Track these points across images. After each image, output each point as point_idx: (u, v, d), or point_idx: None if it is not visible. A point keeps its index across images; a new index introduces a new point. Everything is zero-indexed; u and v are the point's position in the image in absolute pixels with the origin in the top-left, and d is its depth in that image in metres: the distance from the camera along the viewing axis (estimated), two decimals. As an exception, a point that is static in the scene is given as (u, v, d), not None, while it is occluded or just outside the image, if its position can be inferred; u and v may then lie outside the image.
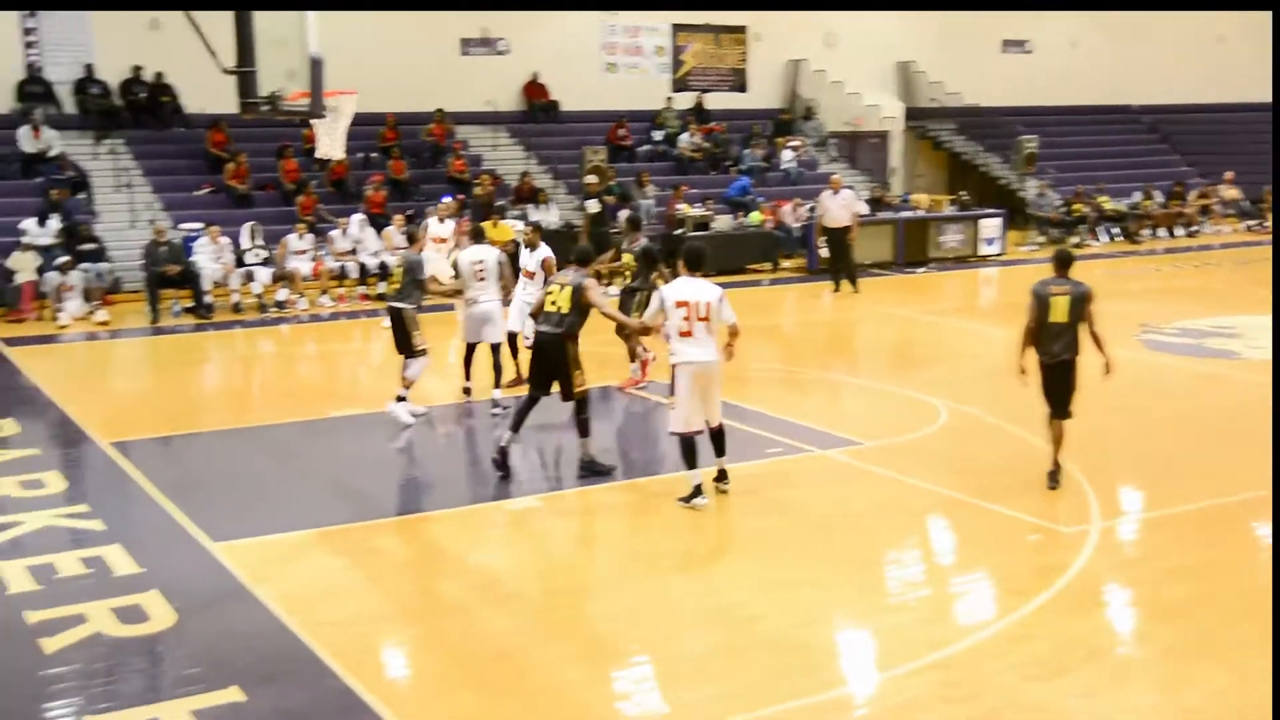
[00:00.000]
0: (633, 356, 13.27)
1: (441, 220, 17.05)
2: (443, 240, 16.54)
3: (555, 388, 10.40)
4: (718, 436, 9.80)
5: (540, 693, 6.70)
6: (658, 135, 27.61)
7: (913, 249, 24.23)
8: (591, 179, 22.70)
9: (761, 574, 8.37)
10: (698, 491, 9.54)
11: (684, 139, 27.28)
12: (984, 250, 25.13)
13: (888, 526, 9.32)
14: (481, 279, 12.56)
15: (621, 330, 12.13)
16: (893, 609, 7.87)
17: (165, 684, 6.78)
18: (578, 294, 10.20)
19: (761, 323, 18.69)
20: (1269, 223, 28.03)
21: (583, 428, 10.38)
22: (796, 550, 8.79)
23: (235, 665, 6.88)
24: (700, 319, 9.35)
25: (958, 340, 17.27)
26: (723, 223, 23.59)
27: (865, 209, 23.63)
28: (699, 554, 9.10)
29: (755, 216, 24.03)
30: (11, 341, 16.78)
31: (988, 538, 8.98)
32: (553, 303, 10.26)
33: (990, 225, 25.35)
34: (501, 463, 10.29)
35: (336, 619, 7.58)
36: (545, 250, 13.21)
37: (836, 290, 20.85)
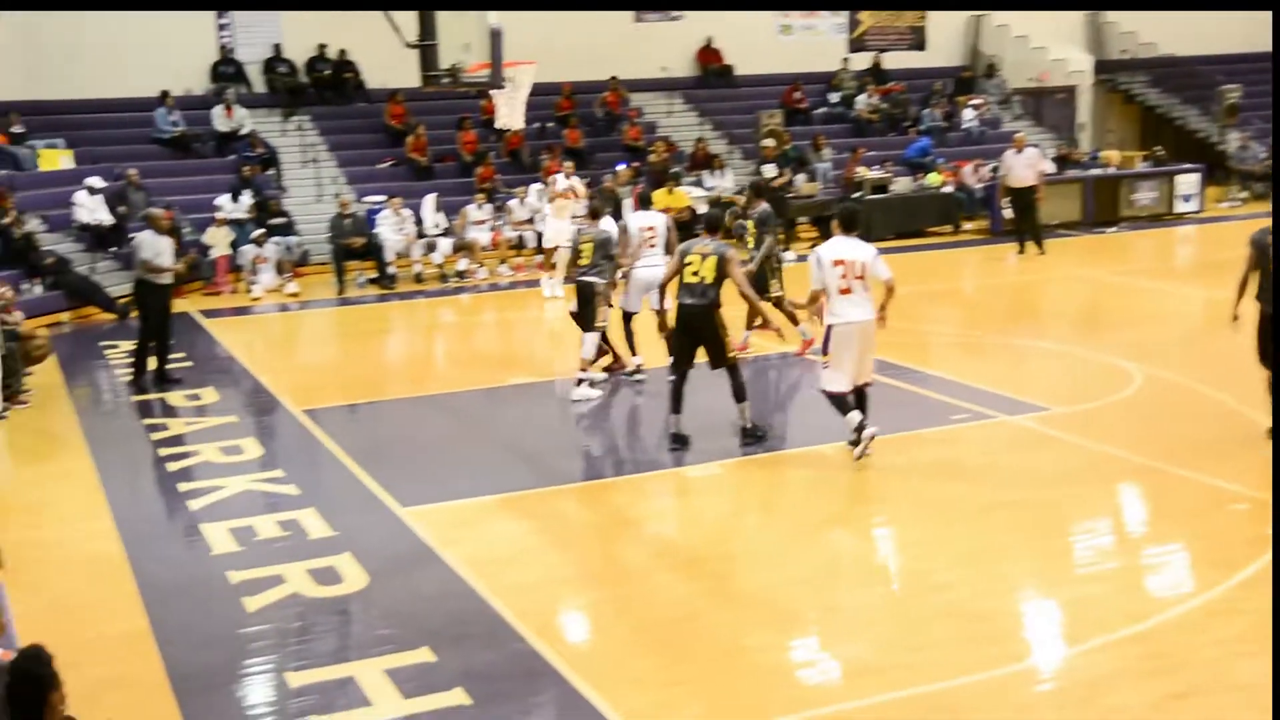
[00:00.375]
0: (795, 320, 13.05)
1: (568, 176, 17.26)
2: (566, 196, 16.62)
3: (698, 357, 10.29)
4: (861, 396, 9.75)
5: (721, 657, 6.67)
6: (834, 97, 27.15)
7: (1103, 208, 23.33)
8: (768, 143, 22.49)
9: (947, 542, 8.17)
10: (862, 427, 9.51)
11: (861, 100, 26.80)
12: (1180, 208, 24.05)
13: (1079, 494, 8.99)
14: (652, 245, 12.57)
15: (755, 309, 11.42)
16: (1085, 579, 7.59)
17: (359, 643, 6.98)
18: (721, 264, 9.97)
19: (942, 286, 18.30)
20: None
21: (740, 393, 10.25)
22: (983, 518, 8.55)
23: (425, 626, 7.03)
24: (857, 277, 9.38)
25: (1152, 302, 16.58)
26: (902, 185, 23.11)
27: (1051, 167, 22.81)
28: (882, 521, 8.97)
29: (935, 178, 23.48)
30: (208, 313, 17.51)
31: (1188, 507, 8.59)
32: (694, 273, 9.99)
33: (1187, 181, 24.23)
34: (678, 445, 10.24)
35: (521, 583, 7.69)
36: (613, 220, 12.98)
37: (1021, 252, 20.23)
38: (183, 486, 9.76)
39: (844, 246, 9.51)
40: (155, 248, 12.91)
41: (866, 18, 28.69)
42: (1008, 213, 21.28)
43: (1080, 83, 29.89)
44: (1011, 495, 8.95)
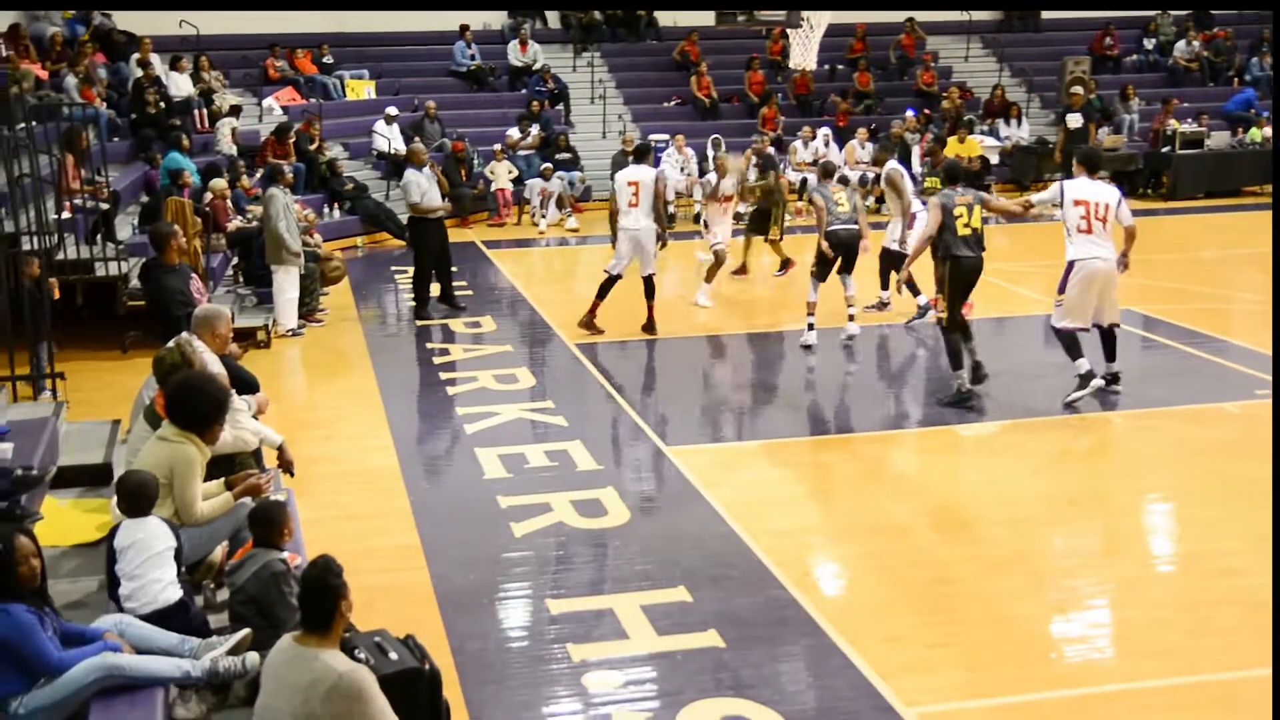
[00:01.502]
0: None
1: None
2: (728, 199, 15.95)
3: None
4: (1110, 338, 9.92)
5: (986, 624, 6.42)
6: (1149, 44, 25.55)
7: None
8: (1076, 90, 21.34)
9: (1240, 524, 7.61)
10: (1090, 376, 9.63)
11: (1180, 47, 25.09)
12: None
13: (1398, 484, 8.19)
14: None
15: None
16: (1401, 578, 6.92)
17: (618, 577, 7.05)
18: (982, 207, 10.05)
19: (1254, 251, 17.00)
20: None
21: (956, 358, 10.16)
22: (1285, 502, 7.91)
23: (682, 566, 7.05)
24: (1099, 218, 9.51)
25: None
26: (1218, 140, 21.54)
27: (1401, 124, 20.83)
28: (1171, 496, 8.42)
29: (1257, 133, 21.79)
30: (490, 244, 18.01)
31: None
32: (966, 225, 9.83)
33: None
34: (959, 403, 9.94)
35: (781, 529, 7.61)
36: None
37: (1353, 217, 18.57)
38: (459, 411, 10.10)
39: (1087, 187, 9.65)
40: (421, 187, 13.32)
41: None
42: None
43: None
44: (1319, 480, 8.26)
